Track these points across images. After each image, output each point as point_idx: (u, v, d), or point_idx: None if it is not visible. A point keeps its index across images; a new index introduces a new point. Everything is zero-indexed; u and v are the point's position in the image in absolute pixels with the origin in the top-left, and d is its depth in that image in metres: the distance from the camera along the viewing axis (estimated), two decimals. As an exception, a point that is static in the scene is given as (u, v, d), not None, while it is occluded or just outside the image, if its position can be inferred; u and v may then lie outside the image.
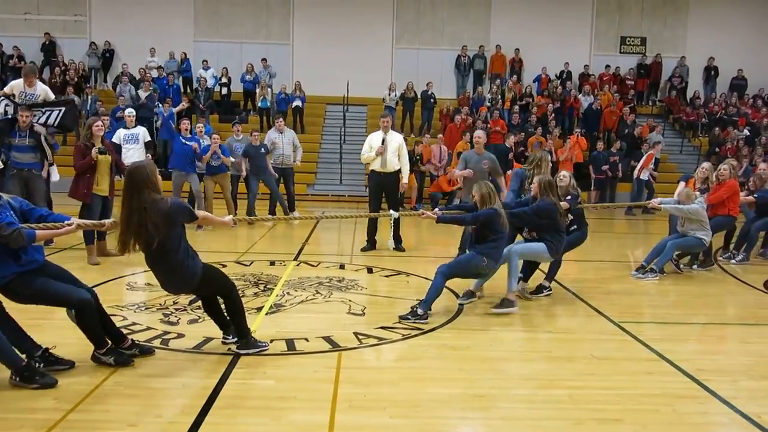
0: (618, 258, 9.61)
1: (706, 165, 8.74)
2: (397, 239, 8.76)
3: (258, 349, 4.75)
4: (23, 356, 4.18)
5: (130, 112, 10.80)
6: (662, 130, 18.97)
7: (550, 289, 6.84)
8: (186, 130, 10.85)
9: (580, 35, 21.86)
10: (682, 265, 8.37)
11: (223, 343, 4.91)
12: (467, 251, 6.32)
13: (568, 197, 6.82)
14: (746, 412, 3.89)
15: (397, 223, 8.30)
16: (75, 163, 7.86)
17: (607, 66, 21.16)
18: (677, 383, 4.37)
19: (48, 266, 4.40)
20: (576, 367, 4.64)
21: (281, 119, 12.68)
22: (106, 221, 5.05)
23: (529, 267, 6.77)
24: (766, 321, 6.19)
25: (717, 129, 18.75)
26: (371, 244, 9.07)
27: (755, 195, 9.27)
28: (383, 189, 8.95)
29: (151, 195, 4.27)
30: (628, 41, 22.07)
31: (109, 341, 4.49)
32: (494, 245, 5.91)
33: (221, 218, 5.04)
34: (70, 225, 4.51)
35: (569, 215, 6.83)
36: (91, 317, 4.37)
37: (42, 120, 8.49)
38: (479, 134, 8.88)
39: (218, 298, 4.84)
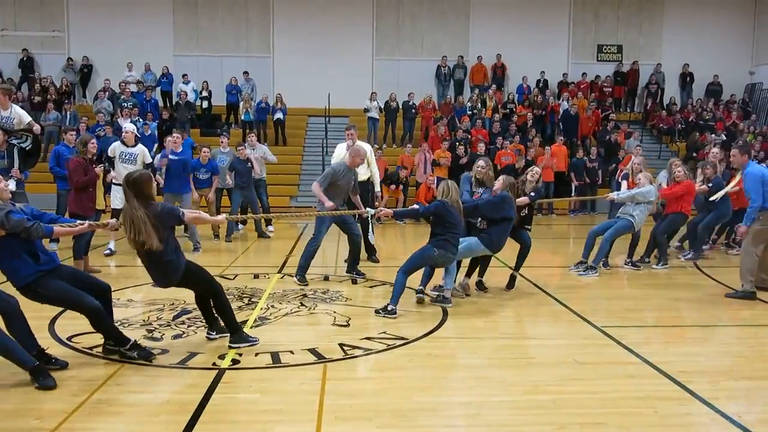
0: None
1: (636, 160, 9.22)
2: (355, 264, 8.20)
3: (249, 343, 5.11)
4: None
5: (131, 128, 10.32)
6: (640, 136, 19.21)
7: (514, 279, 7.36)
8: (175, 143, 10.47)
9: (558, 44, 22.12)
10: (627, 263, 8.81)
11: (207, 337, 5.28)
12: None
13: (532, 193, 7.29)
14: (727, 412, 3.95)
15: (357, 248, 8.09)
16: (74, 179, 7.89)
17: (584, 74, 21.43)
18: (659, 385, 4.43)
19: (62, 268, 4.80)
20: (559, 373, 4.68)
21: (253, 135, 12.71)
22: (111, 221, 5.48)
23: (476, 263, 7.23)
24: (745, 322, 6.30)
25: (696, 133, 19.02)
26: (368, 250, 8.96)
27: (709, 184, 9.48)
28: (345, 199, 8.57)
29: (143, 201, 4.74)
30: (605, 49, 22.37)
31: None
32: (444, 237, 6.30)
33: (214, 217, 5.32)
34: (82, 224, 5.08)
35: (525, 210, 7.32)
36: (105, 320, 4.76)
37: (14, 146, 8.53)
38: (481, 164, 7.58)
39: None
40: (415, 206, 7.05)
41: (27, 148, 8.66)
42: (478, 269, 7.29)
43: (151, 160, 9.84)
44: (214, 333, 5.30)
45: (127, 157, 9.54)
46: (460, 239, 6.61)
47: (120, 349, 4.79)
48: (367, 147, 9.18)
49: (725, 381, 4.57)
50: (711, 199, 9.02)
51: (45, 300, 4.69)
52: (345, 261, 8.78)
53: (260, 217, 10.83)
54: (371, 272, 8.24)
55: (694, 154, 18.25)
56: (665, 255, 8.90)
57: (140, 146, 9.81)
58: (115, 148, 9.76)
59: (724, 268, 8.99)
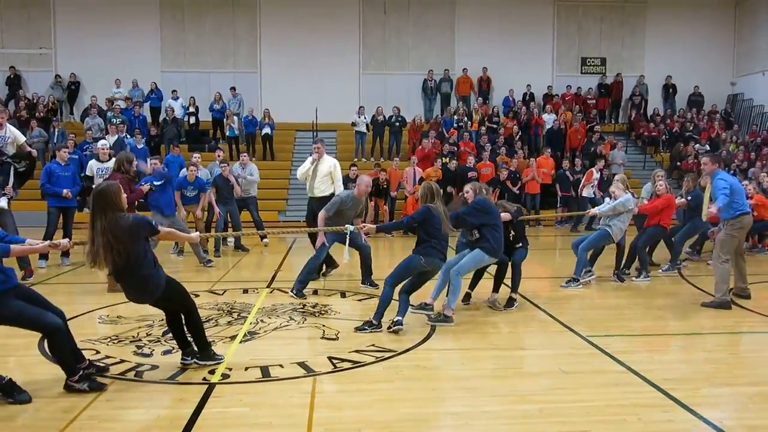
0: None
1: (618, 176, 9.15)
2: (368, 274, 8.29)
3: (216, 362, 5.04)
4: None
5: (103, 144, 10.59)
6: (624, 147, 19.44)
7: (517, 301, 7.20)
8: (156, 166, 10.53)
9: (542, 57, 22.40)
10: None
11: (182, 363, 5.05)
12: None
13: (513, 210, 7.25)
14: (709, 418, 4.04)
15: (368, 260, 8.23)
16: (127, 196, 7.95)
17: (569, 86, 21.69)
18: (643, 393, 4.52)
19: (21, 288, 4.59)
20: (545, 382, 4.76)
21: (245, 154, 12.76)
22: (63, 241, 5.20)
23: (477, 277, 7.24)
24: (726, 330, 6.41)
25: (680, 144, 19.29)
26: (329, 263, 8.90)
27: (688, 197, 9.68)
28: (314, 214, 8.59)
29: (114, 214, 4.51)
30: (589, 62, 22.68)
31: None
32: (430, 244, 6.19)
33: (187, 234, 5.16)
34: (44, 244, 4.86)
35: (512, 230, 7.24)
36: (63, 342, 4.50)
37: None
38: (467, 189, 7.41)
39: (181, 318, 5.04)
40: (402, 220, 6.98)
41: (21, 170, 8.77)
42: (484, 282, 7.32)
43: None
44: (189, 358, 5.06)
45: (103, 173, 9.80)
46: (464, 253, 6.71)
47: (68, 380, 4.50)
48: (332, 161, 9.27)
49: (707, 388, 4.67)
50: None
51: (3, 320, 4.43)
52: (322, 274, 8.80)
53: (232, 235, 10.89)
54: (358, 286, 8.28)
55: (678, 164, 18.54)
56: (646, 267, 8.98)
57: (113, 160, 9.90)
58: (92, 165, 10.00)
59: (708, 276, 9.11)
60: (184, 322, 5.03)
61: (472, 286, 7.39)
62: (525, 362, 5.29)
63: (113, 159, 10.09)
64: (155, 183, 9.27)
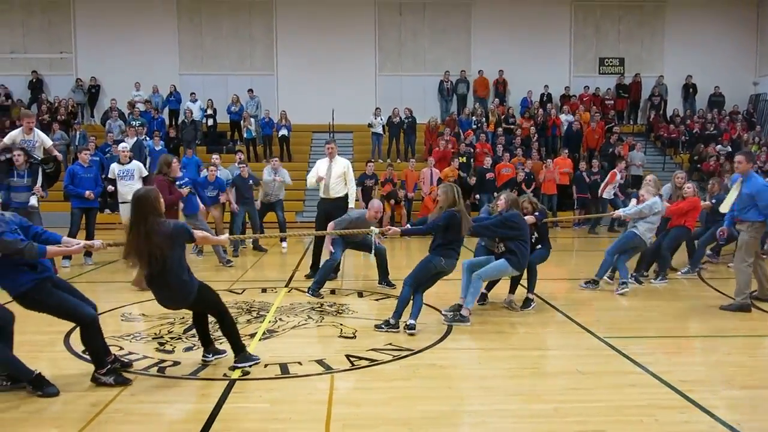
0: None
1: (649, 177, 8.96)
2: (385, 274, 8.34)
3: (253, 362, 5.07)
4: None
5: (123, 147, 10.73)
6: (643, 148, 19.30)
7: (534, 301, 7.21)
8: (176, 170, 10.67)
9: (560, 58, 22.31)
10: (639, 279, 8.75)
11: (203, 360, 5.16)
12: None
13: (536, 213, 7.29)
14: (726, 420, 4.04)
15: (384, 260, 8.30)
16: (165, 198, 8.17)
17: (586, 87, 21.58)
18: (660, 394, 4.52)
19: (57, 280, 4.77)
20: (562, 382, 4.78)
21: (276, 159, 12.71)
22: (97, 241, 5.25)
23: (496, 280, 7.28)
24: (746, 333, 6.38)
25: (701, 145, 19.10)
26: (316, 269, 8.77)
27: (713, 200, 9.58)
28: (329, 216, 8.59)
29: (155, 219, 4.62)
30: (607, 62, 22.55)
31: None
32: (450, 246, 6.29)
33: (217, 237, 5.27)
34: (78, 244, 4.96)
35: (535, 233, 7.31)
36: (96, 335, 4.67)
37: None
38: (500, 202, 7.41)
39: (208, 316, 5.16)
40: (420, 226, 6.99)
41: (48, 171, 9.08)
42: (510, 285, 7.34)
43: (147, 173, 10.24)
44: (210, 356, 5.17)
45: (124, 174, 9.98)
46: (489, 260, 6.79)
47: (95, 372, 4.66)
48: (345, 162, 9.30)
49: (725, 390, 4.66)
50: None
51: (41, 308, 4.62)
52: (306, 276, 8.88)
53: (259, 237, 11.01)
54: (375, 286, 8.33)
55: (699, 166, 18.37)
56: (665, 270, 8.92)
57: (134, 162, 10.36)
58: (113, 168, 10.21)
59: (727, 279, 9.06)
60: (218, 326, 5.08)
61: (489, 287, 7.42)
62: (542, 362, 5.32)
63: (134, 161, 10.31)
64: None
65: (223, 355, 5.21)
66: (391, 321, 6.18)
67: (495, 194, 12.92)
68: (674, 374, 4.89)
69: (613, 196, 15.17)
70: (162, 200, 4.81)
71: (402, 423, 4.01)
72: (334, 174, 9.04)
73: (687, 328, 6.67)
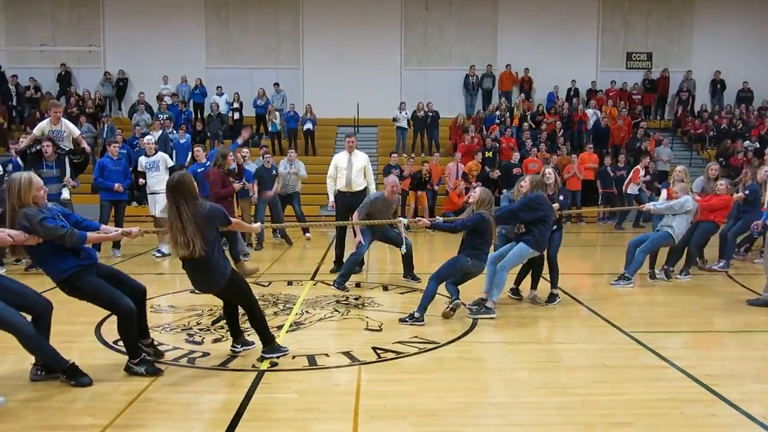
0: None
1: (679, 168, 8.91)
2: (410, 268, 8.42)
3: (281, 353, 5.17)
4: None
5: (149, 139, 11.03)
6: (670, 144, 19.09)
7: (559, 296, 7.23)
8: (197, 155, 10.98)
9: (587, 52, 22.16)
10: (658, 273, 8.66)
11: (232, 350, 5.26)
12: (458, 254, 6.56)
13: (561, 198, 7.37)
14: (752, 414, 4.05)
15: (409, 254, 8.31)
16: (213, 191, 8.51)
17: (613, 81, 21.41)
18: (685, 388, 4.53)
19: (101, 266, 4.90)
20: (587, 376, 4.81)
21: (293, 150, 12.94)
22: (134, 229, 5.37)
23: (524, 270, 7.26)
24: (771, 328, 6.34)
25: (728, 141, 18.86)
26: (340, 263, 8.85)
27: (746, 191, 9.50)
28: (351, 209, 8.75)
29: (191, 202, 4.71)
30: (635, 57, 22.33)
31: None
32: (479, 248, 6.37)
33: (250, 225, 5.52)
34: (117, 232, 5.09)
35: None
36: (132, 326, 4.77)
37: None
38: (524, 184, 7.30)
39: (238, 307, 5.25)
40: (451, 221, 7.01)
41: (76, 162, 9.26)
42: (531, 278, 7.32)
43: (173, 163, 10.53)
44: (239, 346, 5.28)
45: (150, 166, 10.28)
46: (507, 247, 6.83)
47: (128, 362, 4.78)
48: (365, 155, 9.36)
49: (751, 384, 4.66)
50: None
51: (81, 295, 4.73)
52: (331, 271, 8.89)
53: (292, 226, 11.12)
54: (400, 280, 8.39)
55: (723, 162, 18.11)
56: (690, 266, 8.85)
57: (160, 153, 10.81)
58: (141, 161, 10.50)
59: (753, 275, 8.98)
60: (246, 318, 5.18)
61: (518, 280, 7.41)
62: (567, 356, 5.33)
63: (159, 153, 10.63)
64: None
65: (252, 346, 5.31)
66: (416, 315, 6.23)
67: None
68: (700, 368, 4.89)
69: (637, 192, 15.05)
70: (195, 184, 4.86)
71: (429, 414, 4.07)
72: (356, 167, 9.11)
73: (713, 323, 6.64)
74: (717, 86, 21.89)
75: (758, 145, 18.79)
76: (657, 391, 4.46)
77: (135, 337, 4.83)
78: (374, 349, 5.44)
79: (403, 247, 7.83)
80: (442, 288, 6.43)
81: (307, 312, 6.72)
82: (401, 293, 7.78)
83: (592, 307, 6.95)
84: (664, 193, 9.10)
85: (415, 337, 5.79)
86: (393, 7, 21.77)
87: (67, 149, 9.32)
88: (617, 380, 4.70)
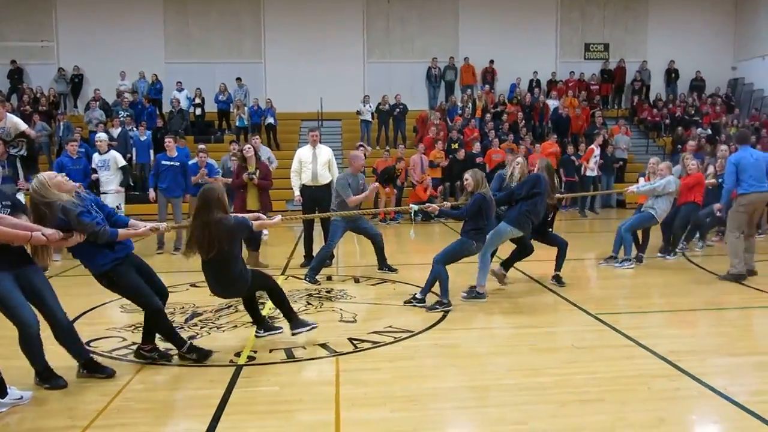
0: (591, 255, 10.01)
1: (653, 159, 9.42)
2: (383, 259, 8.53)
3: (309, 327, 5.40)
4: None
5: (99, 136, 10.85)
6: (625, 130, 19.49)
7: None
8: (168, 148, 10.78)
9: (546, 43, 22.49)
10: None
11: (256, 336, 5.53)
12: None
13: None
14: (714, 386, 4.28)
15: (381, 245, 8.45)
16: (270, 181, 9.25)
17: (572, 72, 21.80)
18: (652, 365, 4.75)
19: (134, 256, 5.01)
20: (559, 357, 4.99)
21: (257, 138, 12.90)
22: (162, 224, 5.54)
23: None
24: (730, 305, 6.68)
25: (680, 128, 19.41)
26: (310, 258, 8.93)
27: (719, 179, 9.84)
28: (316, 203, 8.97)
29: (218, 213, 4.90)
30: (592, 47, 22.77)
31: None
32: (482, 230, 6.55)
33: (272, 220, 5.67)
34: (145, 227, 5.11)
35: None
36: (162, 321, 4.94)
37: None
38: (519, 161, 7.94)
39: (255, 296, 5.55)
40: (455, 211, 7.12)
41: (24, 155, 8.95)
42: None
43: (124, 163, 10.46)
44: (263, 331, 5.53)
45: (101, 165, 10.13)
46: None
47: (179, 351, 5.02)
48: (328, 149, 9.40)
49: (713, 358, 4.90)
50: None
51: (117, 289, 4.89)
52: (301, 265, 8.93)
53: (298, 218, 11.21)
54: (371, 272, 8.47)
55: (679, 147, 18.65)
56: (677, 246, 9.23)
57: (111, 152, 10.57)
58: (95, 158, 10.34)
59: (711, 257, 9.34)
60: (269, 298, 5.44)
61: (507, 265, 7.63)
62: (538, 339, 5.50)
63: (111, 151, 10.49)
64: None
65: (279, 330, 5.53)
66: (444, 301, 6.40)
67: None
68: (664, 346, 5.11)
69: (595, 174, 15.53)
70: (224, 196, 5.04)
71: (409, 400, 4.18)
72: (321, 161, 9.12)
73: (674, 303, 6.90)
74: (671, 75, 22.47)
75: (710, 132, 19.37)
76: (625, 369, 4.66)
77: (171, 328, 5.03)
78: (350, 339, 5.52)
79: (412, 232, 7.99)
80: (409, 276, 6.56)
81: (280, 306, 6.74)
82: (373, 284, 7.87)
83: (560, 292, 7.17)
84: (642, 180, 9.46)
85: (390, 326, 5.90)
86: (355, 0, 21.75)
87: (9, 142, 9.00)
88: (588, 360, 4.89)
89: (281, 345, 5.38)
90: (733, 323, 6.07)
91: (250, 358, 5.10)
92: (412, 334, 5.66)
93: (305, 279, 7.98)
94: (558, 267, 7.59)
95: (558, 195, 7.81)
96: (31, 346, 4.39)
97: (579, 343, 5.30)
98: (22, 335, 4.33)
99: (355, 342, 5.46)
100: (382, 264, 8.47)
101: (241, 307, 6.64)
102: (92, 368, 4.68)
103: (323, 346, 5.36)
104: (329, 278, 8.25)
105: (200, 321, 6.25)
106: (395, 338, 5.55)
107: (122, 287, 4.85)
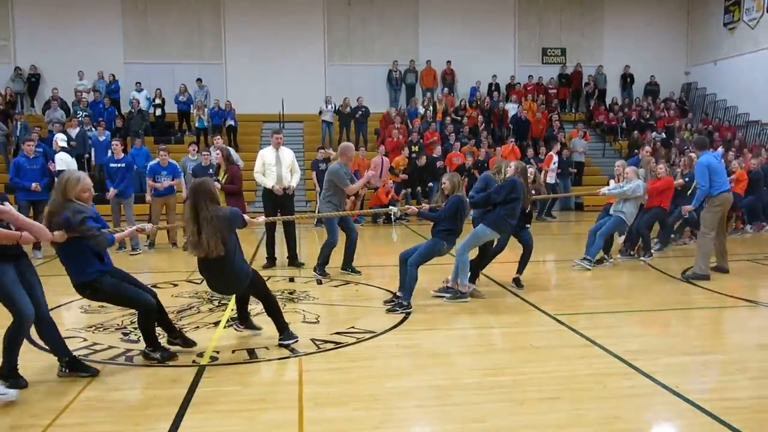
0: (550, 258, 10.24)
1: (618, 162, 9.70)
2: (350, 260, 8.53)
3: (295, 339, 5.40)
4: None
5: (58, 136, 10.91)
6: (580, 135, 19.93)
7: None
8: (115, 150, 10.86)
9: (505, 47, 22.82)
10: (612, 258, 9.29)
11: (236, 329, 5.72)
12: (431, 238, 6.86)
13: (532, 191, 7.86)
14: (667, 384, 4.42)
15: (353, 247, 8.50)
16: (238, 186, 9.62)
17: (530, 76, 22.16)
18: (607, 364, 4.89)
19: (117, 271, 5.05)
20: (518, 356, 5.10)
21: (219, 137, 12.85)
22: (147, 225, 5.75)
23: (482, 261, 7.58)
24: (684, 306, 6.90)
25: (636, 132, 19.91)
26: (272, 261, 9.08)
27: (685, 178, 10.13)
28: (279, 206, 8.97)
29: (210, 205, 4.95)
30: (549, 52, 23.19)
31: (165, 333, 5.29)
32: (453, 232, 6.69)
33: (256, 219, 5.86)
34: (131, 229, 5.42)
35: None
36: (152, 321, 4.98)
37: None
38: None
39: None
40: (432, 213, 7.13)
41: None
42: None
43: (57, 169, 10.59)
44: (242, 327, 5.66)
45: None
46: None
47: (145, 349, 5.07)
48: (291, 151, 9.40)
49: (666, 358, 5.05)
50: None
51: (103, 297, 4.95)
52: (263, 267, 8.91)
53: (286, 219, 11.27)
54: (333, 273, 8.50)
55: (636, 151, 19.12)
56: (649, 246, 9.47)
57: (61, 154, 11.05)
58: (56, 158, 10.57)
59: (664, 258, 9.62)
60: (262, 307, 5.46)
61: (482, 266, 7.67)
62: (498, 339, 5.63)
63: (62, 152, 10.62)
64: None
65: (258, 331, 5.63)
66: (404, 303, 6.47)
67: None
68: (620, 345, 5.26)
69: (554, 181, 15.81)
70: (216, 190, 5.12)
71: (371, 399, 4.24)
72: (285, 164, 9.07)
73: (630, 304, 7.08)
74: (626, 80, 23.02)
75: (664, 136, 19.92)
76: (581, 368, 4.79)
77: (153, 328, 5.02)
78: (313, 340, 5.55)
79: (394, 234, 8.04)
80: (371, 278, 6.61)
81: (243, 307, 6.73)
82: (335, 286, 7.91)
83: (520, 294, 7.31)
84: (612, 182, 9.67)
85: (352, 327, 5.95)
86: (315, 1, 21.73)
87: None
88: (545, 359, 5.01)
89: (244, 345, 5.40)
90: (688, 323, 6.28)
91: (213, 358, 5.11)
92: (375, 334, 5.72)
93: (316, 272, 8.26)
94: (520, 270, 7.70)
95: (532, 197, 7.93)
96: (17, 340, 4.46)
97: (537, 343, 5.42)
98: (16, 326, 4.40)
99: (318, 343, 5.50)
100: (347, 265, 8.49)
101: (203, 308, 6.68)
102: (76, 367, 4.70)
103: (286, 346, 5.38)
104: (291, 280, 8.26)
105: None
106: (358, 339, 5.60)
107: (109, 294, 4.90)
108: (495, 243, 7.46)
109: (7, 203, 4.45)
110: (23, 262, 4.56)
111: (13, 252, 4.44)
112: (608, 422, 3.87)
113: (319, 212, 8.24)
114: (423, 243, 6.95)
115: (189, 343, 5.28)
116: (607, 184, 10.25)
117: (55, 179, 10.18)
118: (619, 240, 9.88)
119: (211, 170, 11.48)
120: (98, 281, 4.80)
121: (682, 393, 4.26)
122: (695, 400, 4.14)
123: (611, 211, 8.97)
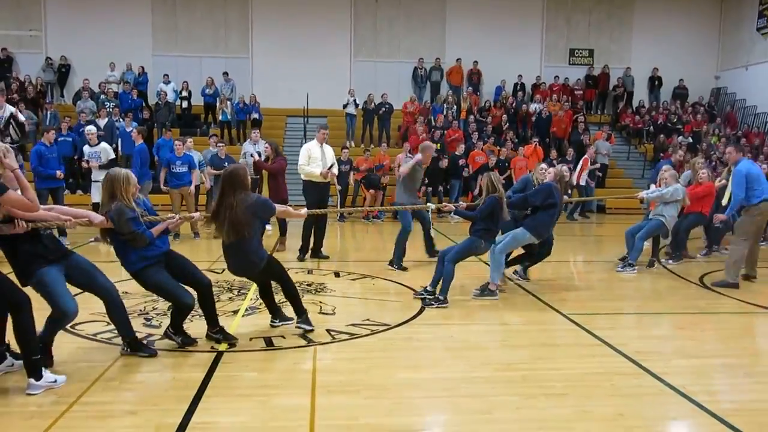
0: (570, 258, 10.23)
1: (665, 166, 9.53)
2: (431, 244, 8.96)
3: (312, 328, 5.60)
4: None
5: (89, 129, 10.99)
6: (605, 137, 19.82)
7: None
8: (135, 137, 11.11)
9: (531, 48, 22.74)
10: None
11: (271, 325, 5.75)
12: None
13: (569, 192, 7.75)
14: (674, 385, 4.47)
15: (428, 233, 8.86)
16: (275, 169, 9.88)
17: (556, 77, 22.07)
18: (616, 363, 4.95)
19: (172, 254, 5.23)
20: (529, 353, 5.18)
21: (257, 131, 12.98)
22: (196, 214, 5.94)
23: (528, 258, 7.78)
24: (699, 310, 6.89)
25: (662, 136, 19.75)
26: (305, 252, 9.24)
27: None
28: (320, 200, 9.15)
29: (242, 193, 5.16)
30: (577, 53, 23.07)
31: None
32: (491, 231, 6.81)
33: (297, 211, 6.04)
34: (173, 218, 5.34)
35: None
36: (183, 317, 5.20)
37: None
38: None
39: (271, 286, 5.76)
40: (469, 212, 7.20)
41: (14, 143, 9.11)
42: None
43: (113, 156, 10.59)
44: (278, 321, 5.75)
45: (93, 156, 10.28)
46: (506, 232, 7.20)
47: (167, 329, 5.29)
48: (331, 149, 9.56)
49: (676, 359, 5.10)
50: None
51: (146, 288, 5.17)
52: (298, 259, 9.07)
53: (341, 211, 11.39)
54: (350, 267, 8.63)
55: (662, 155, 18.97)
56: (680, 252, 9.41)
57: (102, 144, 10.94)
58: (85, 150, 10.54)
59: (683, 263, 9.58)
60: (282, 291, 5.64)
61: (514, 262, 7.84)
62: (510, 336, 5.70)
63: (102, 143, 10.67)
64: None
65: (290, 321, 5.72)
66: (441, 297, 6.61)
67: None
68: (630, 346, 5.31)
69: (585, 183, 15.72)
70: (248, 177, 5.33)
71: (382, 388, 4.36)
72: (329, 159, 9.30)
73: (644, 306, 7.12)
74: (654, 83, 22.80)
75: (691, 140, 19.72)
76: (591, 366, 4.86)
77: (182, 322, 5.23)
78: (328, 331, 5.68)
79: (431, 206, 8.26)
80: (388, 273, 6.71)
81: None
82: (353, 279, 8.03)
83: (535, 293, 7.36)
84: (653, 187, 9.62)
85: (367, 320, 6.07)
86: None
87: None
88: (555, 357, 5.09)
89: (261, 334, 5.54)
90: (699, 327, 6.26)
91: (231, 345, 5.25)
92: (389, 327, 5.84)
93: (394, 268, 8.38)
94: (533, 262, 7.85)
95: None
96: (54, 329, 4.68)
97: (549, 341, 5.51)
98: (55, 318, 4.60)
99: (333, 333, 5.63)
100: (429, 249, 8.87)
101: (223, 296, 6.85)
102: (137, 346, 4.96)
103: (302, 336, 5.51)
104: (310, 272, 8.40)
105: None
106: (372, 331, 5.72)
107: (151, 286, 5.12)
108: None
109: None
110: (72, 259, 4.75)
111: (52, 256, 4.59)
112: (612, 419, 3.94)
113: (395, 203, 8.60)
114: (460, 241, 7.07)
115: (229, 339, 5.32)
116: (648, 188, 10.14)
117: (90, 163, 10.54)
118: (665, 241, 9.78)
119: (226, 163, 11.68)
120: (141, 272, 5.01)
121: (688, 394, 4.31)
122: (701, 402, 4.19)
123: (650, 216, 8.95)
